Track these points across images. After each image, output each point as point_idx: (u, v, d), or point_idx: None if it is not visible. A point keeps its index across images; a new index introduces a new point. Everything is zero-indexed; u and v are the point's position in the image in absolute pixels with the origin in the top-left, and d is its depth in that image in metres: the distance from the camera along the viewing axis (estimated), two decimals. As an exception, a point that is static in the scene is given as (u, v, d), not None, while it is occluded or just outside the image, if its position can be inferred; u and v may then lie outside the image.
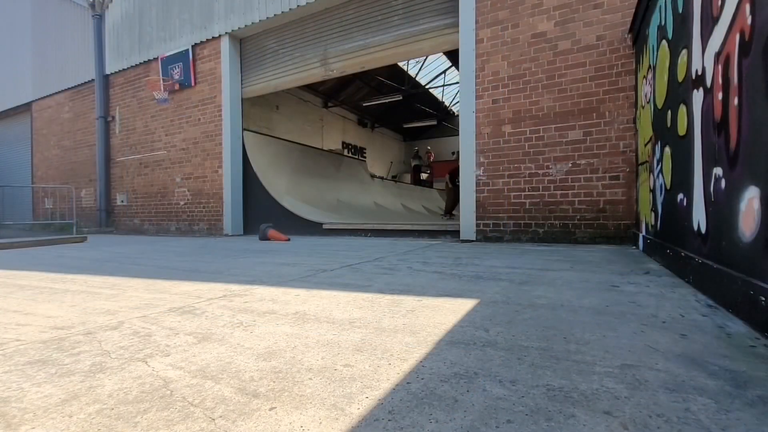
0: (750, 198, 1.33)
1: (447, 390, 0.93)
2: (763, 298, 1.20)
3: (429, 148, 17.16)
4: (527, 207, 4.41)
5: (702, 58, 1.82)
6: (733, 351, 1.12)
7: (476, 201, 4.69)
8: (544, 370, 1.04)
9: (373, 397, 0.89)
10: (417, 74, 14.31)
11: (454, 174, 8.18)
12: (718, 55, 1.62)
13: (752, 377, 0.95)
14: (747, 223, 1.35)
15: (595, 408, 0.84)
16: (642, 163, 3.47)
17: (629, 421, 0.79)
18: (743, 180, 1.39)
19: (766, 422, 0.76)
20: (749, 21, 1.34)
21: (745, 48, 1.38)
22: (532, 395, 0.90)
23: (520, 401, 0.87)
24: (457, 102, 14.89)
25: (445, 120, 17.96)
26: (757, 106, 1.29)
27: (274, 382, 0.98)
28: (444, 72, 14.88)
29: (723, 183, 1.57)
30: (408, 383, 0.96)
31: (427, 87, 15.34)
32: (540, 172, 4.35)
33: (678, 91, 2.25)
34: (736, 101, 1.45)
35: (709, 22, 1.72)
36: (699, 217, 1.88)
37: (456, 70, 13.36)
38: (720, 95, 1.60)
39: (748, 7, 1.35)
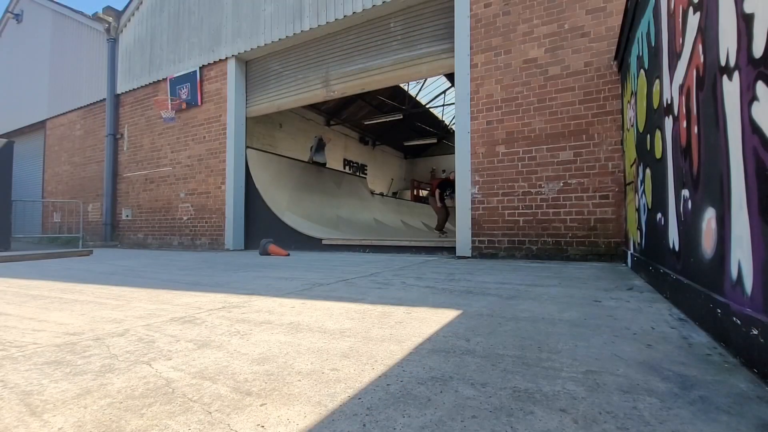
0: (708, 218, 1.45)
1: (422, 391, 1.02)
2: (719, 311, 1.30)
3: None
4: (521, 224, 4.53)
5: (670, 89, 1.98)
6: (690, 358, 1.21)
7: (472, 218, 4.81)
8: (514, 374, 1.13)
9: (355, 396, 0.99)
10: (417, 94, 14.69)
11: (443, 188, 7.79)
12: (681, 87, 1.77)
13: (699, 380, 1.04)
14: (708, 242, 1.46)
15: (553, 406, 0.93)
16: (629, 183, 3.60)
17: (580, 416, 0.88)
18: (704, 201, 1.51)
19: (700, 417, 0.86)
20: (702, 59, 1.49)
21: (700, 82, 1.52)
22: (499, 396, 0.99)
23: (487, 401, 0.97)
24: (457, 121, 15.12)
25: (445, 138, 18.30)
26: (710, 134, 1.42)
27: (266, 383, 1.08)
28: (444, 92, 15.27)
29: (690, 204, 1.69)
30: (387, 385, 1.06)
31: (427, 106, 15.71)
32: (533, 190, 4.48)
33: (654, 117, 2.40)
34: (696, 129, 1.59)
35: (674, 57, 1.88)
36: (673, 236, 1.99)
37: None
38: (684, 123, 1.74)
39: (700, 46, 1.50)
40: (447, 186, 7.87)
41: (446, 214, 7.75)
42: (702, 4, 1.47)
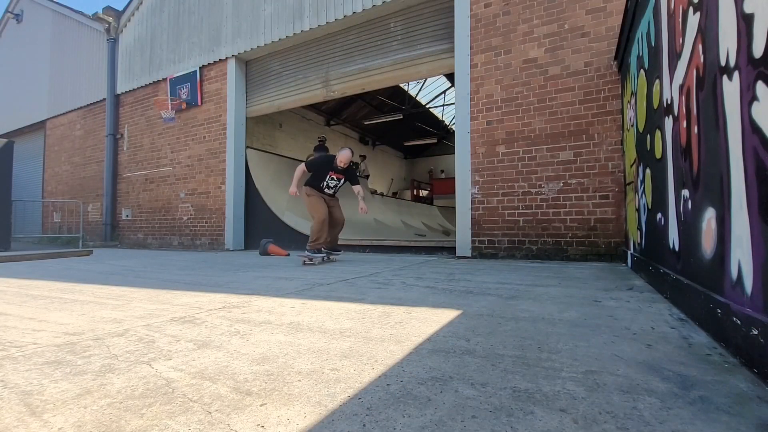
0: (708, 218, 1.45)
1: (422, 391, 1.02)
2: (719, 311, 1.30)
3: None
4: (521, 224, 4.52)
5: (670, 89, 1.98)
6: (690, 358, 1.21)
7: (472, 218, 4.81)
8: (514, 374, 1.13)
9: (355, 396, 0.99)
10: (417, 94, 14.69)
11: (320, 167, 4.10)
12: (681, 87, 1.77)
13: (699, 380, 1.04)
14: (707, 242, 1.46)
15: (553, 406, 0.93)
16: (629, 183, 3.60)
17: (580, 416, 0.88)
18: (703, 201, 1.51)
19: (700, 417, 0.85)
20: (702, 59, 1.49)
21: (700, 82, 1.52)
22: (499, 396, 0.99)
23: (487, 401, 0.97)
24: (457, 121, 15.12)
25: (445, 138, 18.30)
26: (710, 134, 1.42)
27: (266, 383, 1.08)
28: (444, 92, 15.27)
29: (690, 204, 1.69)
30: (388, 385, 1.06)
31: (427, 106, 15.71)
32: (533, 190, 4.48)
33: (654, 117, 2.40)
34: (696, 129, 1.59)
35: (674, 57, 1.88)
36: (673, 236, 1.99)
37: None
38: (684, 123, 1.74)
39: (700, 46, 1.50)
40: (327, 165, 4.08)
41: (324, 218, 4.01)
42: (702, 4, 1.47)
